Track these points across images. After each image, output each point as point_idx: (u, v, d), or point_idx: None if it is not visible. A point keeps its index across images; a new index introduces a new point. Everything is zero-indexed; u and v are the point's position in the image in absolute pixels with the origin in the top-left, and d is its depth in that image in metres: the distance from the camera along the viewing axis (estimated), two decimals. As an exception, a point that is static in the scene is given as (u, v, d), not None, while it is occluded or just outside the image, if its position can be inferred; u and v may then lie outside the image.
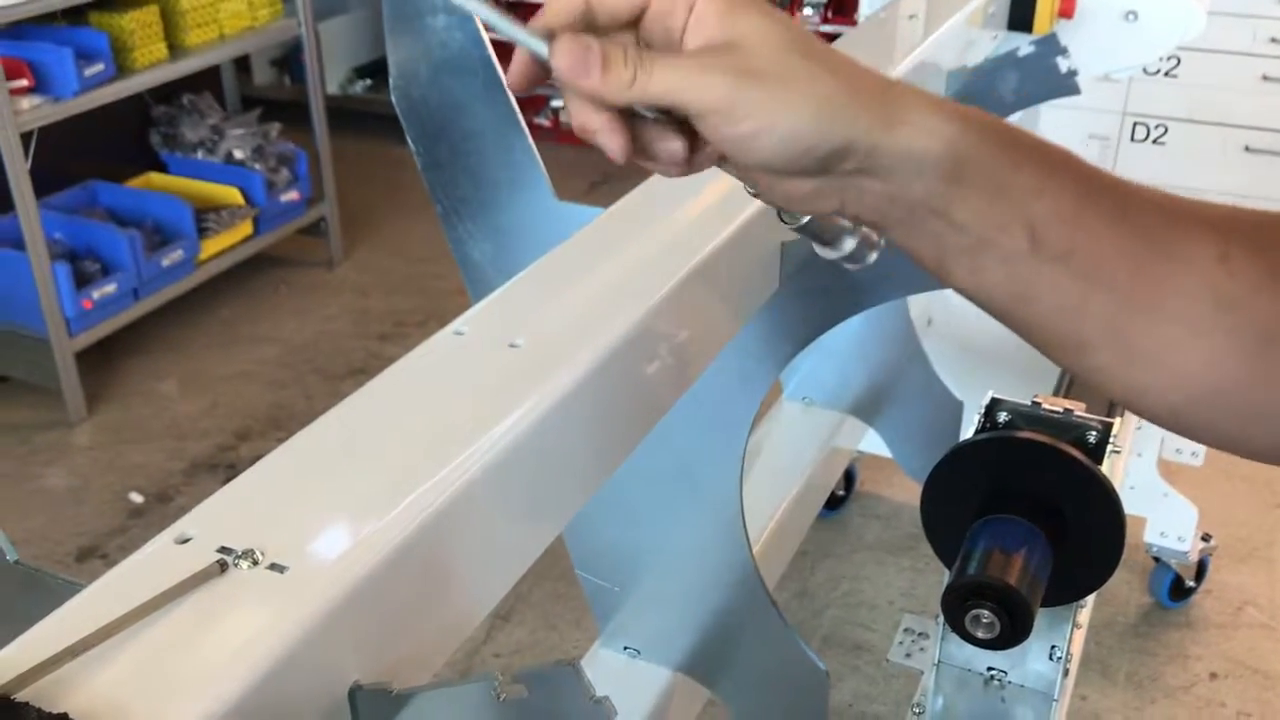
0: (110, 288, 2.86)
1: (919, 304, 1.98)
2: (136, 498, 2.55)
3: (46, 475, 2.65)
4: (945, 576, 1.18)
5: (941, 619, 1.22)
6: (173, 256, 3.02)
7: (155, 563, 0.64)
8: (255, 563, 0.63)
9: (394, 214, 3.82)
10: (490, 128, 1.24)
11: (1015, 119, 1.91)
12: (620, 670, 1.38)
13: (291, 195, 3.41)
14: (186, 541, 0.65)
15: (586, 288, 0.87)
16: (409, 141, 1.24)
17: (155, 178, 3.35)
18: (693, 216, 1.04)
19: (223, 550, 0.64)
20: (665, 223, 1.03)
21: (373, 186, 3.97)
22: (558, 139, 4.30)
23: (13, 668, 0.55)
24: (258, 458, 0.71)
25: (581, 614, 2.11)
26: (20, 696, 0.53)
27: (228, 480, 0.68)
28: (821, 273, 1.12)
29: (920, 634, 1.38)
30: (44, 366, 2.78)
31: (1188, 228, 0.51)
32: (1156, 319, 0.50)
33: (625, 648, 1.40)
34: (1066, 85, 1.48)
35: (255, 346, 3.14)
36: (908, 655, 1.37)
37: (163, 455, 2.69)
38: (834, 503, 2.35)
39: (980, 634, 1.04)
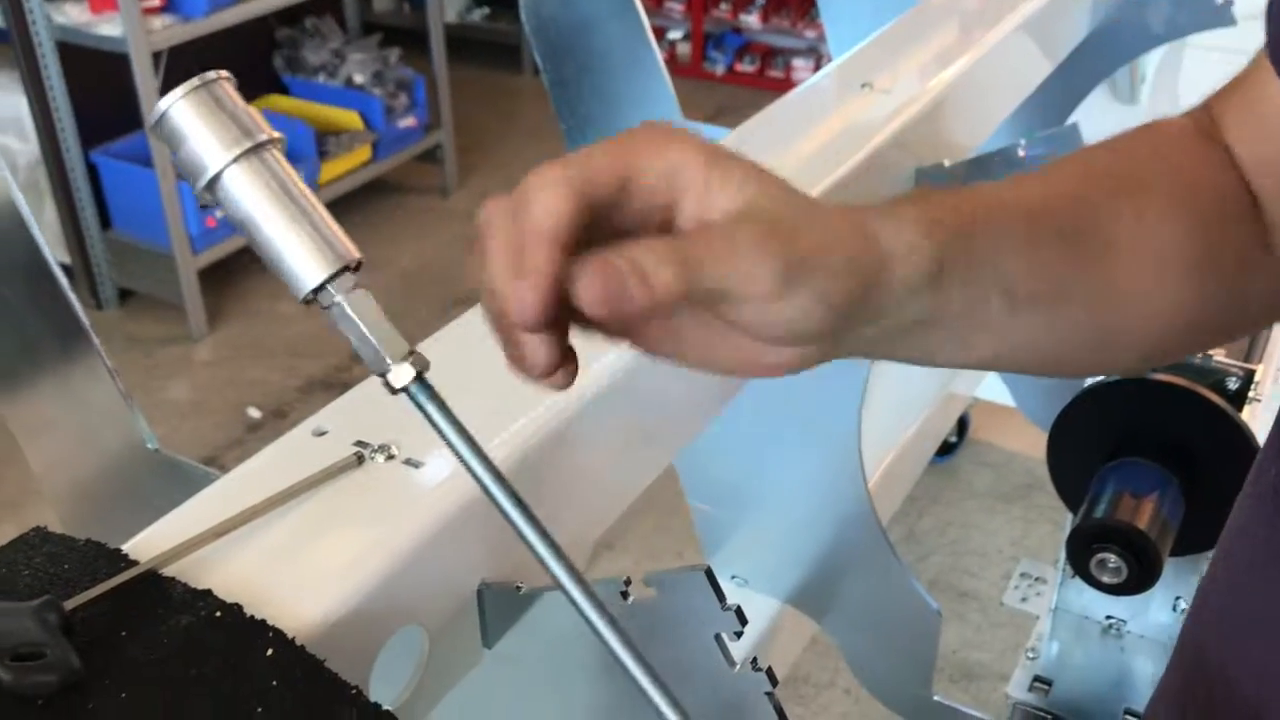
0: (233, 207, 2.91)
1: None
2: (254, 413, 2.61)
3: (168, 388, 2.73)
4: (1067, 522, 1.15)
5: (1061, 563, 1.20)
6: (293, 178, 3.06)
7: (293, 453, 0.65)
8: (391, 457, 0.63)
9: (508, 143, 3.83)
10: (620, 45, 1.22)
11: (1159, 54, 1.83)
12: (729, 596, 1.37)
13: (409, 121, 3.43)
14: (324, 434, 0.65)
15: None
16: (536, 59, 1.23)
17: (277, 100, 3.40)
18: (823, 141, 1.02)
19: (359, 444, 0.64)
20: (794, 147, 1.01)
21: (488, 115, 3.98)
22: (674, 71, 4.26)
23: (158, 546, 0.56)
24: (371, 377, 0.71)
25: (684, 545, 2.12)
26: (166, 573, 0.55)
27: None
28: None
29: (1037, 578, 1.35)
30: (168, 282, 2.85)
31: (1107, 206, 0.53)
32: (1113, 305, 0.54)
33: (733, 576, 1.39)
34: (1220, 17, 1.41)
35: (370, 270, 3.14)
36: (1023, 600, 1.34)
37: (280, 373, 2.76)
38: (945, 449, 2.31)
39: (1105, 578, 1.01)
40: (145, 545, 0.57)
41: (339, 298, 0.45)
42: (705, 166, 0.44)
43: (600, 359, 0.69)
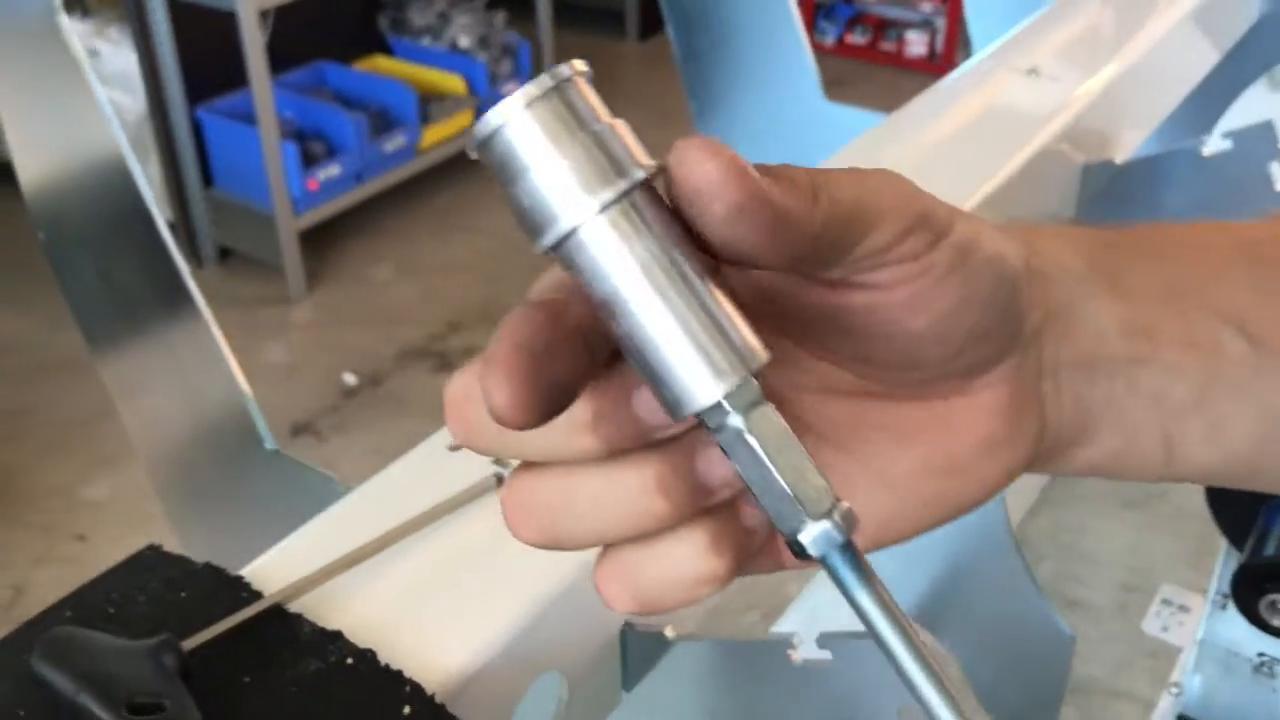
0: (335, 170, 2.89)
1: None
2: (350, 378, 2.59)
3: (266, 350, 2.72)
4: (1223, 552, 1.06)
5: (1211, 593, 1.11)
6: (395, 142, 3.03)
7: (425, 468, 0.59)
8: (531, 480, 0.58)
9: (612, 110, 3.75)
10: (758, 18, 1.14)
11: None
12: (842, 608, 1.30)
13: (512, 87, 3.37)
14: (459, 448, 0.60)
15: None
16: (669, 32, 1.16)
17: (381, 61, 3.37)
18: (987, 130, 0.94)
19: (498, 463, 0.58)
20: (955, 136, 0.93)
21: (594, 83, 3.91)
22: (781, 44, 4.15)
23: (282, 573, 0.51)
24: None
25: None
26: (293, 608, 0.49)
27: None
28: (1123, 197, 1.01)
29: (1180, 606, 1.26)
30: (269, 243, 2.84)
31: None
32: None
33: (849, 585, 1.33)
34: None
35: (470, 238, 3.14)
36: (1164, 629, 1.25)
37: (376, 339, 2.73)
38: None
39: (1277, 622, 0.93)
40: (267, 571, 0.52)
41: (737, 420, 0.28)
42: None
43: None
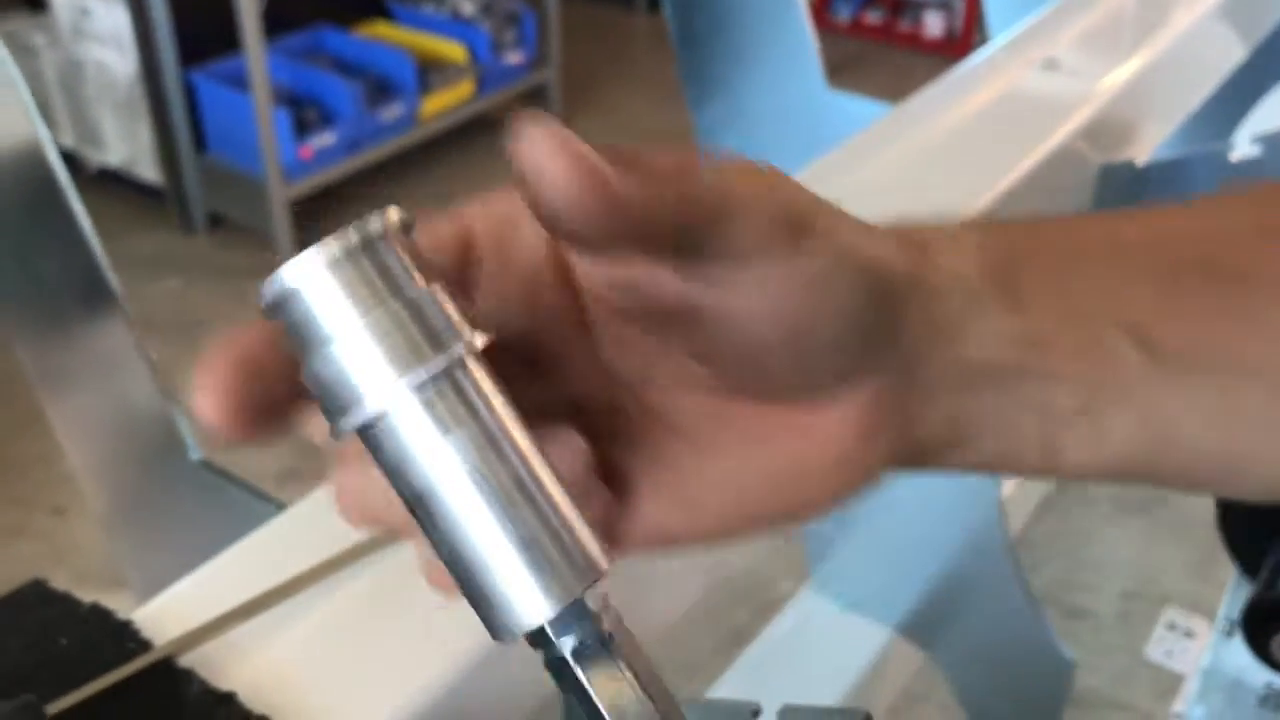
0: (329, 138, 2.82)
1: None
2: (338, 354, 2.53)
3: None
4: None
5: (1219, 620, 1.05)
6: (393, 111, 2.96)
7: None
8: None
9: (617, 88, 3.68)
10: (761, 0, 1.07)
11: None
12: (833, 618, 1.25)
13: (515, 58, 3.30)
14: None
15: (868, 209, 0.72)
16: (665, 12, 1.09)
17: (382, 27, 3.29)
18: (1003, 126, 0.87)
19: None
20: (968, 130, 0.86)
21: (597, 54, 3.83)
22: (793, 21, 4.06)
23: (178, 619, 0.45)
24: None
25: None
26: (185, 661, 0.43)
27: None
28: (1142, 202, 0.94)
29: (1186, 631, 1.20)
30: (259, 211, 2.77)
31: None
32: None
33: (839, 595, 1.27)
34: None
35: (466, 212, 3.07)
36: (1168, 653, 1.19)
37: (367, 313, 2.67)
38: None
39: (1290, 663, 0.87)
40: (161, 616, 0.46)
41: (565, 648, 0.24)
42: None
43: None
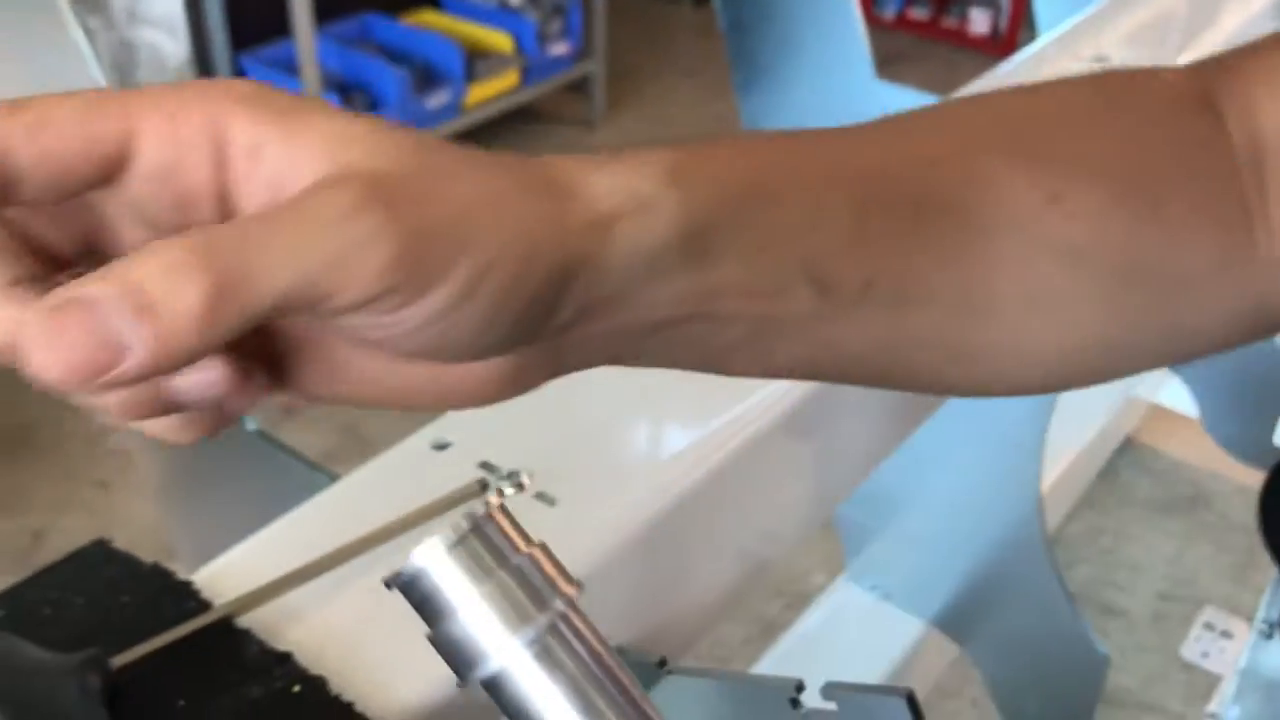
0: (376, 124, 2.84)
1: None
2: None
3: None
4: (1273, 580, 1.00)
5: (1258, 620, 1.05)
6: (439, 99, 2.97)
7: (407, 468, 0.54)
8: (520, 487, 0.53)
9: (662, 79, 3.68)
10: (809, -11, 1.08)
11: None
12: (867, 610, 1.25)
13: (561, 49, 3.31)
14: (445, 448, 0.55)
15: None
16: (714, 1, 1.09)
17: (429, 15, 3.31)
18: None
19: (485, 466, 0.53)
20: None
21: (641, 47, 3.84)
22: (839, 16, 4.05)
23: (237, 579, 0.47)
24: None
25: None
26: (243, 622, 0.45)
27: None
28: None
29: (1223, 632, 1.20)
30: (305, 195, 2.80)
31: (998, 179, 0.37)
32: (991, 312, 0.38)
33: (873, 587, 1.27)
34: None
35: (509, 200, 3.08)
36: (1204, 654, 1.19)
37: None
38: (1102, 448, 2.14)
39: (1330, 663, 0.87)
40: (221, 577, 0.47)
41: None
42: (261, 121, 0.27)
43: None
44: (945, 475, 1.12)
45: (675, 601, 0.58)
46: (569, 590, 0.28)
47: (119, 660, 0.42)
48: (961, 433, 1.06)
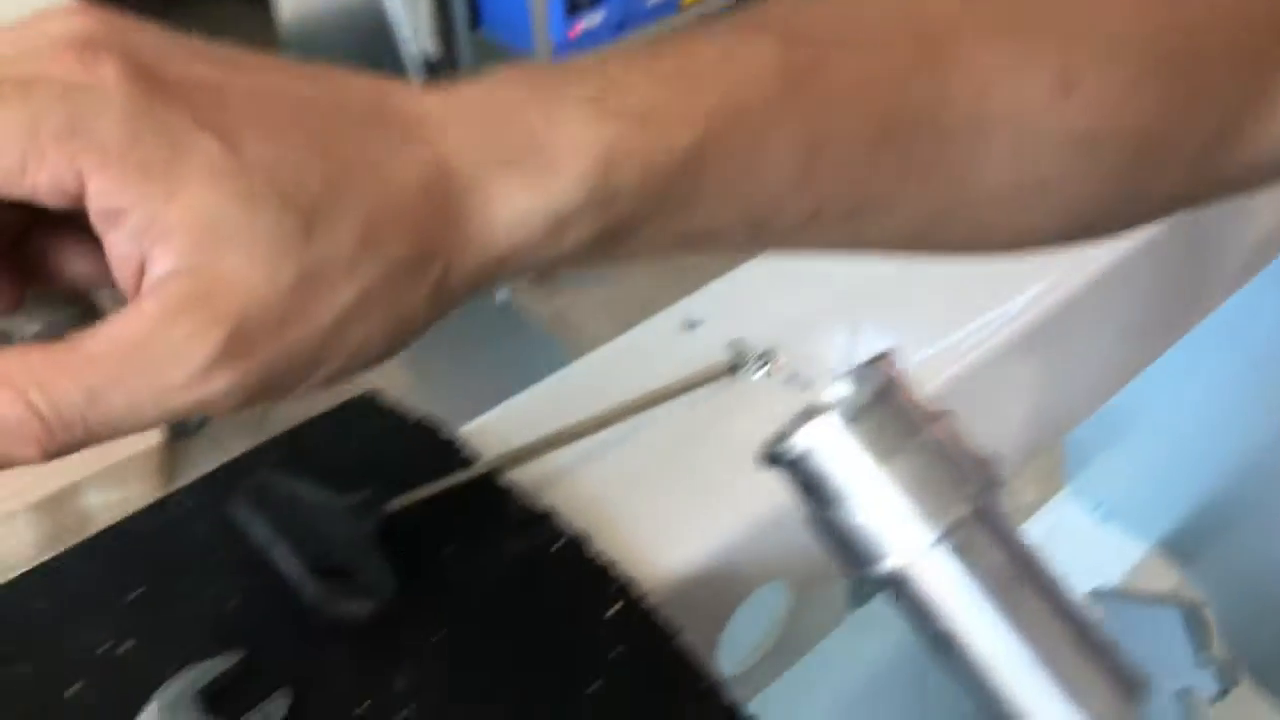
0: (597, 18, 2.84)
1: None
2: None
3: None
4: None
5: None
6: (658, -14, 2.95)
7: (657, 345, 0.54)
8: (770, 371, 0.52)
9: None
10: None
11: None
12: (1084, 531, 1.21)
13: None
14: (695, 326, 0.55)
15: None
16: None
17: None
18: None
19: (735, 345, 0.53)
20: None
21: None
22: None
23: (496, 439, 0.48)
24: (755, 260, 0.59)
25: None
26: (504, 480, 0.46)
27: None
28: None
29: None
30: (526, 88, 2.82)
31: (993, 73, 0.32)
32: (971, 204, 0.34)
33: (1097, 507, 1.23)
34: None
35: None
36: None
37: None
38: None
39: None
40: (482, 435, 0.49)
41: None
42: (125, 184, 0.25)
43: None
44: (1186, 389, 1.07)
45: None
46: (988, 472, 0.23)
47: (390, 506, 0.43)
48: (1206, 344, 1.00)
